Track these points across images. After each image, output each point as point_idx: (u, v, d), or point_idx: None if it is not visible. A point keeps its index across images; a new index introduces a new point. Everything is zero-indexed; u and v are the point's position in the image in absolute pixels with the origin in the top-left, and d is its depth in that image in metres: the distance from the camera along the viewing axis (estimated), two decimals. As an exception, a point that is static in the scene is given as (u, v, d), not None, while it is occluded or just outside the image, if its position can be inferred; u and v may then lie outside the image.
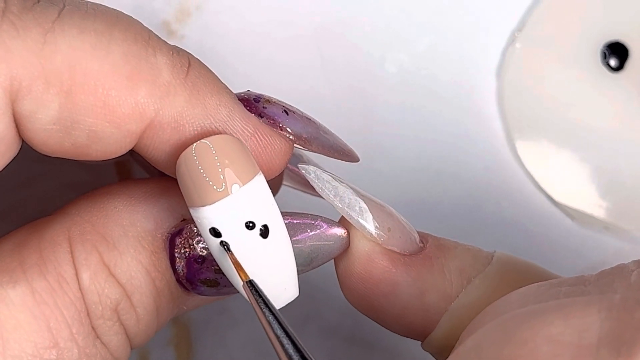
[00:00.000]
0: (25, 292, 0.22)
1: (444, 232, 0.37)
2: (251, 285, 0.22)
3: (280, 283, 0.23)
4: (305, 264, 0.25)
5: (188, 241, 0.24)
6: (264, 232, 0.23)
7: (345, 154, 0.27)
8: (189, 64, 0.23)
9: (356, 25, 0.37)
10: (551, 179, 0.36)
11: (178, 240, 0.24)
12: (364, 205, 0.25)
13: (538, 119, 0.36)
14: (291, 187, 0.29)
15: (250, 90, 0.25)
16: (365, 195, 0.26)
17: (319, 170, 0.25)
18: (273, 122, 0.24)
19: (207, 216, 0.22)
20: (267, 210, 0.23)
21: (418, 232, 0.27)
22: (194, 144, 0.22)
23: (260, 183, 0.23)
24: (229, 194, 0.22)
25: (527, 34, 0.36)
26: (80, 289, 0.23)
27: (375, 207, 0.26)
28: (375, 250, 0.25)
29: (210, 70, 0.24)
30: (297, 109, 0.26)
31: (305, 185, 0.27)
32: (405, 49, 0.37)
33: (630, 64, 0.36)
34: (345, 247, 0.25)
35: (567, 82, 0.36)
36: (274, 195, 0.24)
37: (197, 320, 0.37)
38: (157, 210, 0.24)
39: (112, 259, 0.23)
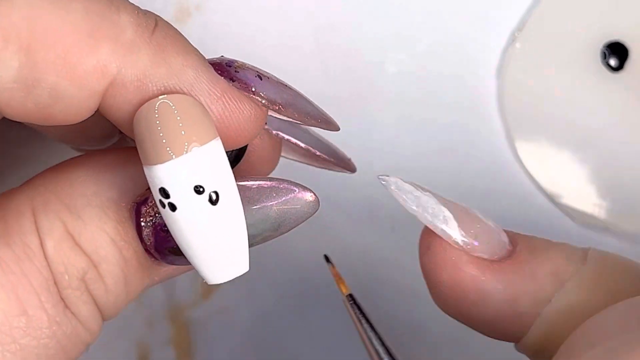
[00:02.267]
0: None
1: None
2: (352, 299, 0.22)
3: (228, 255, 0.23)
4: (273, 229, 0.24)
5: (154, 209, 0.23)
6: (213, 199, 0.22)
7: (324, 122, 0.26)
8: (155, 24, 0.23)
9: (356, 25, 0.37)
10: (551, 179, 0.36)
11: (144, 209, 0.23)
12: (448, 213, 0.25)
13: (538, 119, 0.36)
14: (292, 159, 0.28)
15: (225, 56, 0.25)
16: (449, 201, 0.25)
17: (400, 180, 0.25)
18: (245, 87, 0.24)
19: (158, 175, 0.22)
20: (219, 176, 0.22)
21: (507, 232, 0.26)
22: (154, 102, 0.22)
23: (216, 148, 0.22)
24: (181, 155, 0.22)
25: (527, 34, 0.36)
26: (45, 258, 0.23)
27: (460, 214, 0.25)
28: (463, 259, 0.25)
29: (179, 32, 0.23)
30: (273, 75, 0.25)
31: (306, 157, 0.27)
32: (405, 49, 0.37)
33: (630, 64, 0.36)
34: (314, 211, 0.25)
35: (567, 82, 0.36)
36: (271, 168, 0.24)
37: (197, 320, 0.37)
38: (121, 179, 0.24)
39: (76, 229, 0.23)
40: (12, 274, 0.22)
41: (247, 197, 0.24)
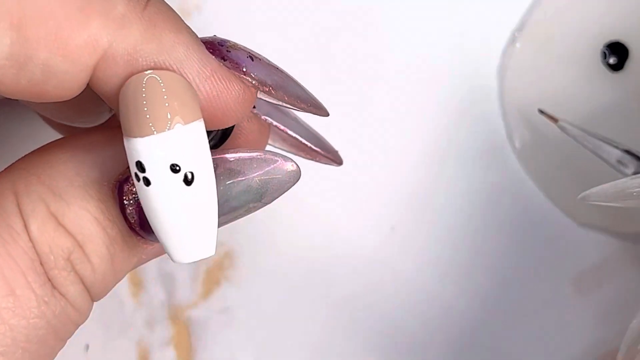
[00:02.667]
0: None
1: (443, 232, 0.37)
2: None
3: (195, 236, 0.23)
4: (256, 200, 0.24)
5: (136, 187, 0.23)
6: (188, 179, 0.22)
7: (314, 106, 0.26)
8: (147, 0, 0.23)
9: (356, 26, 0.37)
10: (551, 179, 0.36)
11: (126, 187, 0.23)
12: None
13: (538, 118, 0.36)
14: (279, 148, 0.28)
15: (217, 35, 0.25)
16: None
17: None
18: (236, 66, 0.24)
19: (137, 148, 0.22)
20: (197, 158, 0.22)
21: None
22: (142, 75, 0.22)
23: (198, 129, 0.22)
24: (162, 131, 0.22)
25: (527, 34, 0.36)
26: (30, 239, 0.23)
27: None
28: None
29: (172, 9, 0.23)
30: (265, 57, 0.25)
31: (293, 146, 0.27)
32: (405, 49, 0.37)
33: (630, 63, 0.36)
34: (296, 180, 0.25)
35: (567, 82, 0.36)
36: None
37: (197, 320, 0.37)
38: (103, 159, 0.24)
39: (59, 209, 0.23)
40: None
41: (229, 169, 0.24)
